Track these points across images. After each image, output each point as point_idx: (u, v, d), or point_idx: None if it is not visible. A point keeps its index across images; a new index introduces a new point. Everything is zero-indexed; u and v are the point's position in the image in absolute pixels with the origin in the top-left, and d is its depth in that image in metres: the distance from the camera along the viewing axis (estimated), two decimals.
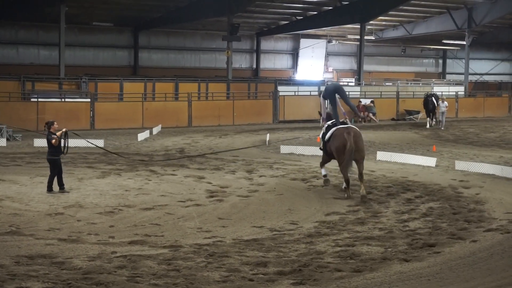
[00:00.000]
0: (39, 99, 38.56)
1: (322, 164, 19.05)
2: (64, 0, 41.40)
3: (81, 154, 25.45)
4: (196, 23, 53.88)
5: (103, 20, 52.31)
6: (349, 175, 17.60)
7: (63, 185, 17.63)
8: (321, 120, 19.90)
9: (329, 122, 18.87)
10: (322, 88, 22.06)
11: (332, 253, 11.82)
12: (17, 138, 30.39)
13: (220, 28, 52.57)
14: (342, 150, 17.47)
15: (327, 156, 18.78)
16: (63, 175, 17.91)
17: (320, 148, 19.45)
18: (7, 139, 29.11)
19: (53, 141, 17.53)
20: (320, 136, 19.34)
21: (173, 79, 47.81)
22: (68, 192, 17.40)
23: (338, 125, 18.30)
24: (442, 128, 39.31)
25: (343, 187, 18.11)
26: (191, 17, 49.93)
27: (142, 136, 32.34)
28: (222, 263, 11.04)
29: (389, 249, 12.12)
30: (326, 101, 19.44)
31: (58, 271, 10.46)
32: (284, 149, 27.59)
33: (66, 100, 40.45)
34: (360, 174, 17.59)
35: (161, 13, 51.53)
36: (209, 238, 12.87)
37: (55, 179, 17.54)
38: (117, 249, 11.83)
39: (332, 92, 19.32)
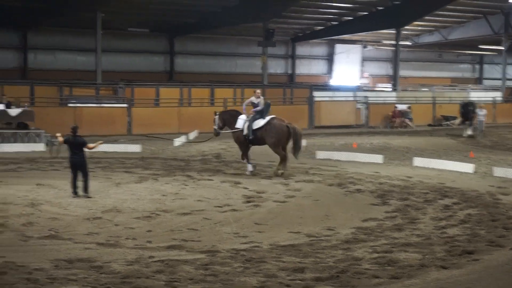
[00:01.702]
0: (77, 105, 38.93)
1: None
2: (100, 7, 41.77)
3: (118, 159, 25.64)
4: (232, 29, 53.98)
5: (139, 26, 52.67)
6: None
7: (74, 189, 17.73)
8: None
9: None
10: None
11: (369, 260, 11.76)
12: (55, 143, 30.66)
13: (255, 33, 52.64)
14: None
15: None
16: (100, 181, 18.02)
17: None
18: (46, 144, 29.41)
19: (60, 139, 18.18)
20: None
21: (209, 84, 47.95)
22: (79, 198, 17.43)
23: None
24: (481, 136, 38.67)
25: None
26: (226, 22, 50.03)
27: (178, 141, 32.47)
28: (259, 269, 11.04)
29: (427, 256, 12.02)
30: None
31: (96, 275, 10.54)
32: (321, 154, 27.53)
33: (103, 105, 40.77)
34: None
35: (196, 18, 51.72)
36: (246, 243, 12.88)
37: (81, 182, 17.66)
38: (155, 254, 11.89)
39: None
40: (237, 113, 23.62)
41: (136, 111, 39.58)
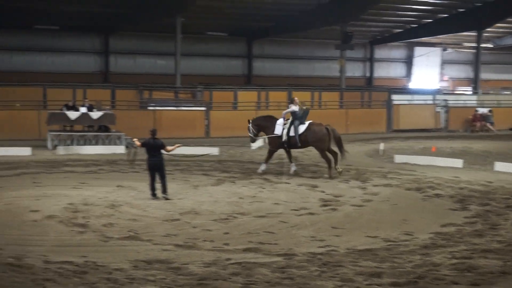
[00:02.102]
0: (156, 108, 39.50)
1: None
2: (180, 11, 42.30)
3: (196, 161, 25.89)
4: (309, 32, 53.94)
5: (218, 30, 53.16)
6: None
7: (153, 191, 17.91)
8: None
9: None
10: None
11: (448, 265, 11.55)
12: (135, 146, 31.14)
13: (333, 36, 52.47)
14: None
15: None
16: (178, 183, 18.18)
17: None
18: (126, 147, 29.92)
19: (138, 143, 18.67)
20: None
21: (286, 88, 48.00)
22: (158, 200, 17.61)
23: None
24: None
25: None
26: (304, 26, 50.04)
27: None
28: (336, 273, 10.98)
29: (509, 263, 11.73)
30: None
31: (174, 276, 10.66)
32: (399, 158, 27.23)
33: (182, 108, 41.24)
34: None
35: (274, 22, 51.88)
36: (322, 247, 12.83)
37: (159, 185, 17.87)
38: (232, 256, 11.95)
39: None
40: (272, 118, 24.31)
41: (214, 114, 39.92)
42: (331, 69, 57.81)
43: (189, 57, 52.64)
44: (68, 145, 29.97)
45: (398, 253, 12.40)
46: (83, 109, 31.35)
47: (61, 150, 28.87)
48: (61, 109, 31.80)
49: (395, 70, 63.62)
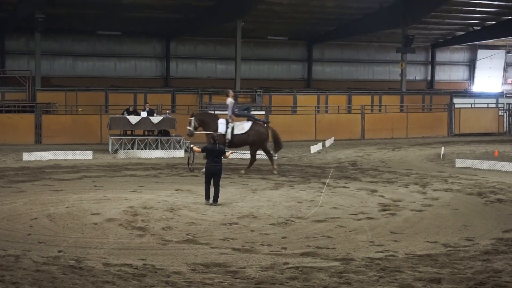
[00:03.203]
0: (216, 112, 39.66)
1: None
2: (241, 16, 42.47)
3: (255, 165, 25.94)
4: (370, 35, 53.59)
5: (278, 34, 53.20)
6: None
7: (216, 197, 17.84)
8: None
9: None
10: None
11: (510, 272, 11.32)
12: (193, 151, 31.34)
13: (394, 40, 52.03)
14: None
15: None
16: (237, 187, 18.21)
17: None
18: (185, 151, 30.15)
19: (197, 149, 19.17)
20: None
21: (346, 91, 47.76)
22: (215, 205, 17.57)
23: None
24: None
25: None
26: (365, 29, 49.72)
27: (315, 148, 32.54)
28: (395, 278, 10.87)
29: None
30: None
31: (232, 280, 10.69)
32: (460, 163, 26.84)
33: None
34: None
35: (334, 26, 51.69)
36: (381, 252, 12.72)
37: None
38: (289, 260, 11.93)
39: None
40: (215, 116, 25.61)
41: (273, 118, 39.89)
42: (392, 72, 57.32)
43: (249, 61, 52.85)
44: (129, 149, 30.34)
45: (458, 259, 12.22)
46: (144, 114, 31.69)
47: (122, 154, 29.25)
48: (122, 114, 32.21)
49: (457, 73, 62.69)
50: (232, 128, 24.71)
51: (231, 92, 25.78)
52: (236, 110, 25.70)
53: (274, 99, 44.04)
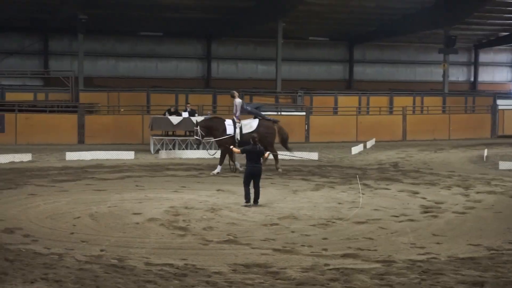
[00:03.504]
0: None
1: None
2: (282, 16, 42.49)
3: (295, 166, 25.92)
4: (411, 36, 53.25)
5: (319, 34, 53.13)
6: None
7: (256, 198, 17.82)
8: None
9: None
10: None
11: None
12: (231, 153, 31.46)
13: (436, 40, 51.60)
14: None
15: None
16: (277, 188, 18.17)
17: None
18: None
19: (237, 150, 19.08)
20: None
21: (388, 92, 47.53)
22: (256, 206, 17.53)
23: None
24: None
25: None
26: (406, 30, 49.43)
27: (356, 149, 32.41)
28: (437, 281, 10.76)
29: None
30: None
31: (272, 281, 10.68)
32: (504, 165, 26.51)
33: (282, 113, 41.39)
34: None
35: (375, 26, 51.45)
36: (423, 254, 12.60)
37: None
38: (330, 262, 11.88)
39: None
40: (220, 119, 25.51)
41: (314, 119, 39.88)
42: (434, 73, 56.86)
43: (290, 62, 52.85)
44: (170, 150, 30.53)
45: (502, 262, 12.05)
46: (185, 114, 31.85)
47: (163, 154, 29.44)
48: (164, 114, 32.43)
49: (501, 75, 61.99)
50: (240, 128, 24.71)
51: (236, 93, 25.78)
52: (248, 107, 25.91)
53: (315, 100, 44.01)
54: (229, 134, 24.47)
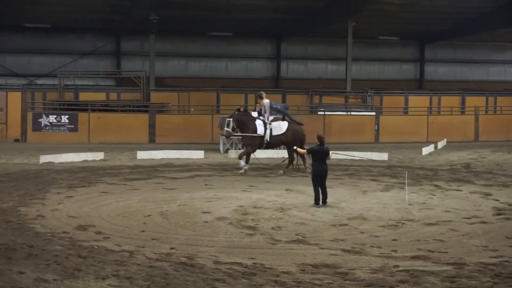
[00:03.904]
0: (326, 112, 39.64)
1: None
2: (352, 16, 42.25)
3: (365, 167, 25.75)
4: (484, 35, 52.27)
5: (389, 34, 52.65)
6: None
7: (325, 198, 17.79)
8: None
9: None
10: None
11: None
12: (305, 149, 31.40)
13: (510, 39, 50.56)
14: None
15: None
16: (347, 188, 18.09)
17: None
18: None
19: (302, 151, 18.90)
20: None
21: (460, 92, 46.79)
22: (325, 206, 17.49)
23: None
24: None
25: None
26: (479, 28, 48.51)
27: (426, 150, 32.02)
28: (509, 285, 10.54)
29: None
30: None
31: (341, 281, 10.63)
32: None
33: (352, 113, 41.18)
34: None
35: (448, 25, 50.70)
36: (495, 257, 12.35)
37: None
38: (400, 263, 11.76)
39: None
40: (252, 117, 25.26)
41: (384, 119, 39.54)
42: (508, 73, 55.78)
43: (360, 61, 52.55)
44: (239, 149, 30.67)
45: None
46: (255, 114, 31.92)
47: (233, 154, 29.59)
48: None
49: None
50: (271, 130, 24.67)
51: (264, 94, 25.71)
52: (278, 106, 25.94)
53: (385, 100, 43.66)
54: (259, 134, 24.40)
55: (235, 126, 24.68)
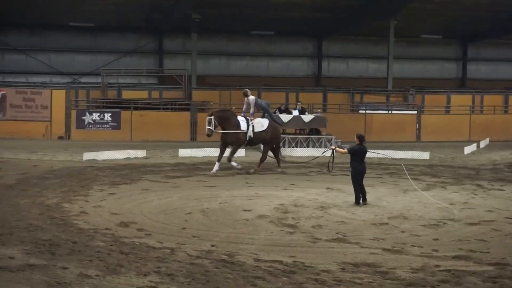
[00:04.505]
0: (367, 111, 39.48)
1: None
2: (394, 15, 42.01)
3: (406, 165, 25.60)
4: None
5: (431, 32, 52.22)
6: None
7: (364, 196, 17.74)
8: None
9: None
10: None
11: None
12: (345, 149, 31.32)
13: None
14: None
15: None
16: (387, 187, 18.04)
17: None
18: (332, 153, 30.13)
19: (342, 150, 18.52)
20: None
21: (503, 91, 46.24)
22: (365, 205, 17.43)
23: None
24: None
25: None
26: None
27: (469, 149, 31.73)
28: None
29: None
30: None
31: (381, 280, 10.62)
32: None
33: (393, 112, 40.95)
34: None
35: (491, 24, 50.09)
36: None
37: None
38: (441, 263, 11.70)
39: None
40: (233, 113, 24.73)
41: (425, 118, 39.28)
42: None
43: (401, 60, 52.17)
44: (281, 148, 30.67)
45: None
46: (295, 112, 31.96)
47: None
48: (274, 112, 32.61)
49: None
50: (253, 126, 24.57)
51: (249, 91, 25.46)
52: (263, 103, 26.01)
53: (426, 98, 43.37)
54: (243, 130, 24.33)
55: (216, 123, 24.10)
